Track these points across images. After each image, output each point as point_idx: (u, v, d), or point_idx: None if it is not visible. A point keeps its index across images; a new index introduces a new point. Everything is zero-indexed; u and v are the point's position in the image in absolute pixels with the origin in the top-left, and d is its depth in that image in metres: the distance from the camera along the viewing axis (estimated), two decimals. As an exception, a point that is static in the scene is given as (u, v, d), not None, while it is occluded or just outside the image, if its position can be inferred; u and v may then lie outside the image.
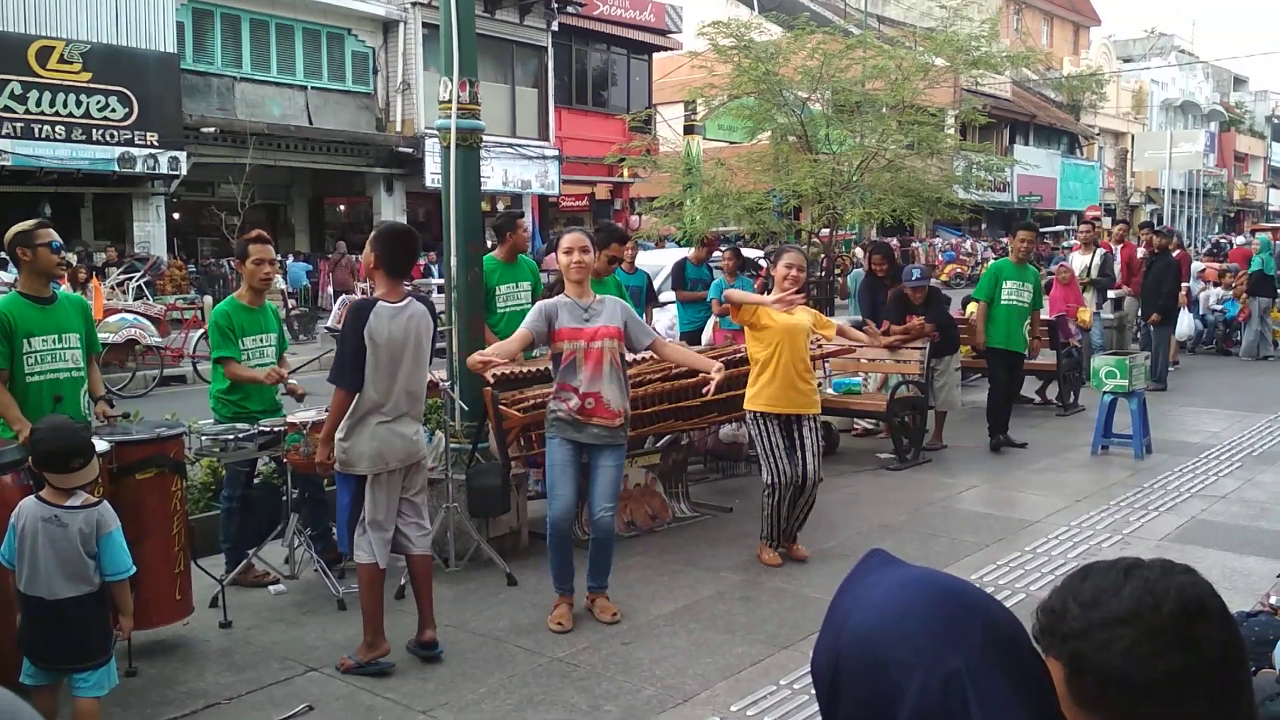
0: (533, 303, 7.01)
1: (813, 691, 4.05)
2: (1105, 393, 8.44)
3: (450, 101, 5.91)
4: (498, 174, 22.34)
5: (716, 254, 10.92)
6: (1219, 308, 15.69)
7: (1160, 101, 50.70)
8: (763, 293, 11.55)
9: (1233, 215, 55.43)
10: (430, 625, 4.54)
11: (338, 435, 4.39)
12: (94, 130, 17.10)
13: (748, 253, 12.06)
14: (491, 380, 6.00)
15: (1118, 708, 1.06)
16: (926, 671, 1.03)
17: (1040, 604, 1.15)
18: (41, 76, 16.50)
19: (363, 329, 4.28)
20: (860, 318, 9.80)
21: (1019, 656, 1.08)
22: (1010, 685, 1.04)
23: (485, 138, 6.38)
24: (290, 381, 5.70)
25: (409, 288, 4.61)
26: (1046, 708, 1.08)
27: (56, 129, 16.68)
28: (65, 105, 16.77)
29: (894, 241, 17.71)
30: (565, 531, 4.91)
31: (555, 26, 24.80)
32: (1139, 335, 13.06)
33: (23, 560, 3.42)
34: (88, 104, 17.02)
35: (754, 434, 5.76)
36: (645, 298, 8.95)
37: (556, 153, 24.80)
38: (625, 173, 24.49)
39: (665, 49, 27.53)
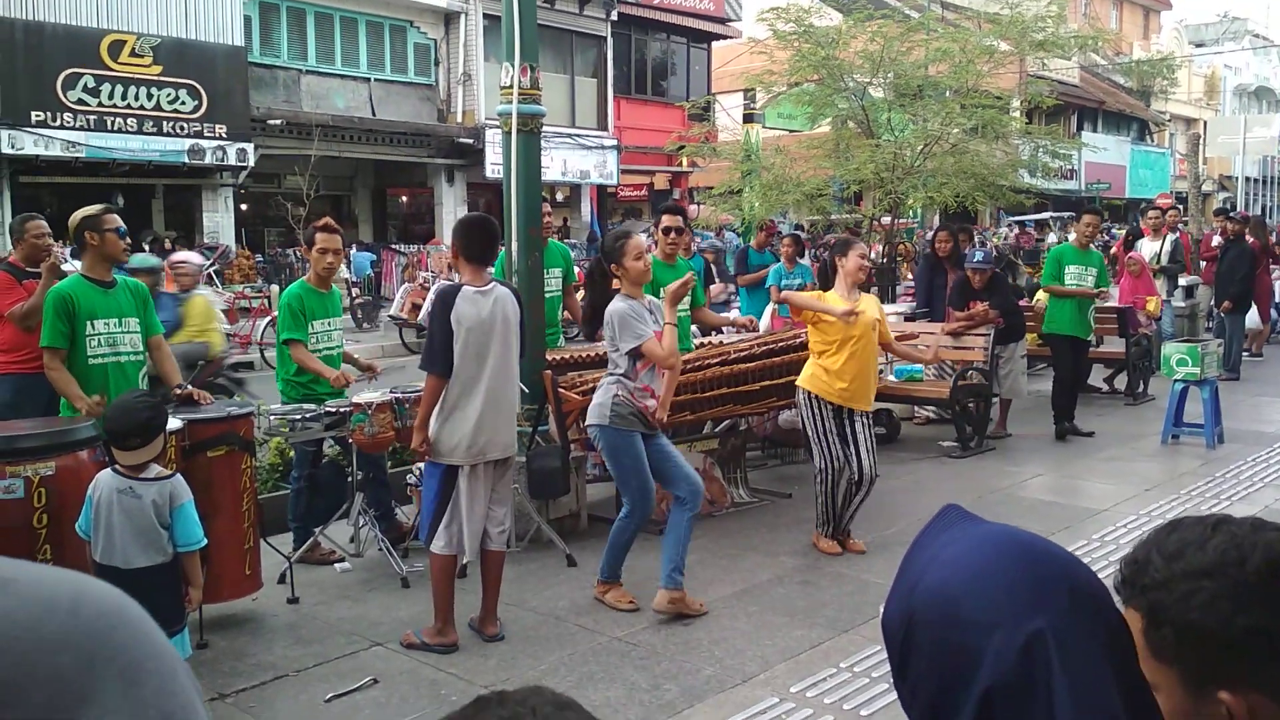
0: (563, 289, 7.03)
1: (874, 675, 4.02)
2: (1176, 381, 8.25)
3: (511, 86, 5.94)
4: (556, 164, 22.41)
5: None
6: None
7: (1234, 87, 49.26)
8: (821, 281, 11.47)
9: (1309, 203, 53.71)
10: (493, 621, 4.58)
11: (432, 422, 4.43)
12: (164, 122, 17.48)
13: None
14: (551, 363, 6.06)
15: (1194, 662, 1.03)
16: (1008, 632, 1.00)
17: (1124, 556, 1.12)
18: (113, 70, 16.90)
19: (449, 313, 4.35)
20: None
21: (1106, 620, 1.05)
22: (1097, 649, 1.01)
23: (544, 128, 6.39)
24: (361, 360, 5.85)
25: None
26: (1132, 674, 1.05)
27: (128, 121, 17.08)
28: (136, 98, 17.16)
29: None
30: (642, 527, 4.96)
31: (614, 16, 24.80)
32: (1211, 324, 12.72)
33: (98, 531, 3.52)
34: (158, 97, 17.39)
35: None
36: (703, 279, 8.94)
37: (615, 143, 24.81)
38: (684, 162, 24.42)
39: (725, 37, 27.38)
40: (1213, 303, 12.58)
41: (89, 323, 4.57)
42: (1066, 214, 28.28)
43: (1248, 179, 40.61)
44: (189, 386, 5.01)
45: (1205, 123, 39.97)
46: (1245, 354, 12.31)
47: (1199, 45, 49.69)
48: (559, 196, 23.62)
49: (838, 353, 5.59)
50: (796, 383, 5.85)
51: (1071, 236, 9.67)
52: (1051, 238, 25.08)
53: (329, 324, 5.65)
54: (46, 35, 16.29)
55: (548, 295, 6.77)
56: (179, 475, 3.72)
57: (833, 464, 5.63)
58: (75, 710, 0.49)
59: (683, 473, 4.87)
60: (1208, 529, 1.06)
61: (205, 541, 3.73)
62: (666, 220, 6.52)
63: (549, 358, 6.17)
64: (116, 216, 4.79)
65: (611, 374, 4.84)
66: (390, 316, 16.06)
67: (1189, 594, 1.02)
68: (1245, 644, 1.01)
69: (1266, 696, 1.01)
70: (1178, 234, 12.55)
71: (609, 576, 4.96)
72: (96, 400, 4.46)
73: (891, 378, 8.65)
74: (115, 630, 0.52)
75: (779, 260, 10.14)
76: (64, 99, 16.40)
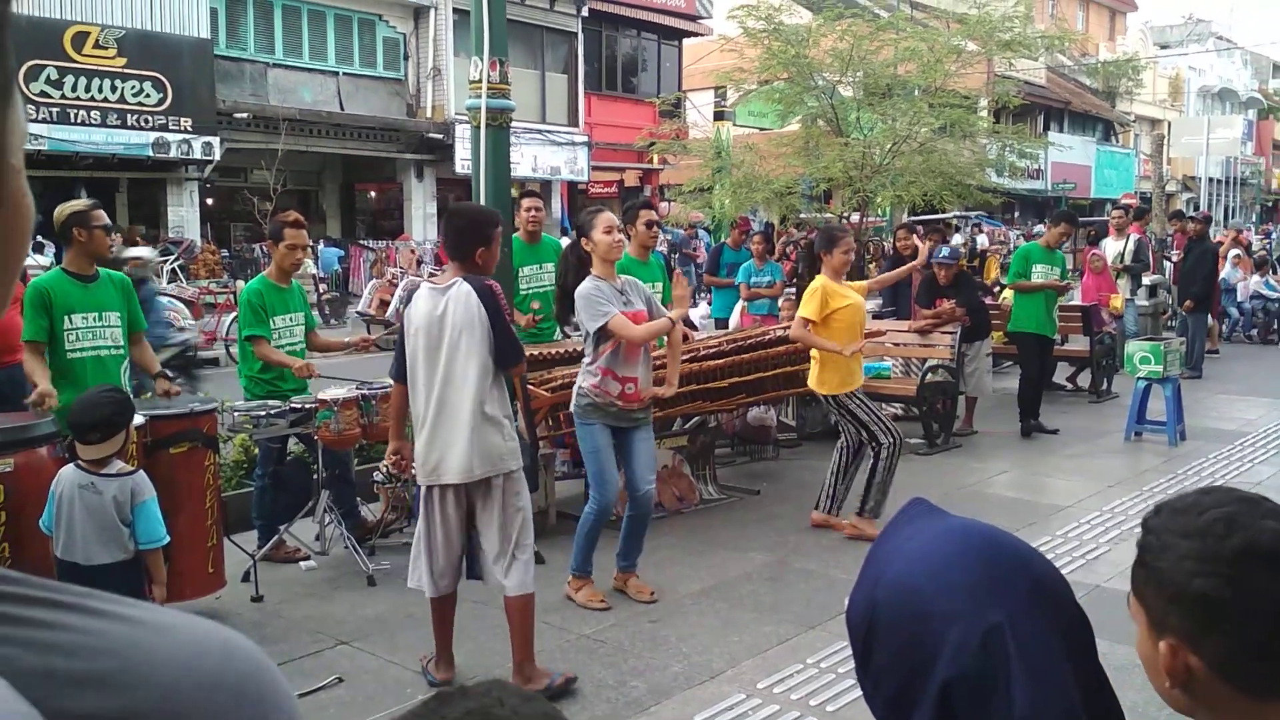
0: (556, 284, 7.00)
1: (840, 671, 4.02)
2: (1139, 379, 8.35)
3: (480, 81, 5.92)
4: (527, 160, 22.33)
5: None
6: (1269, 292, 15.29)
7: (1198, 88, 49.92)
8: (793, 277, 11.51)
9: (1270, 205, 54.54)
10: (523, 673, 3.95)
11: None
12: (129, 115, 17.25)
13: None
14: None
15: (1153, 606, 1.11)
16: (967, 624, 1.01)
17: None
18: (77, 62, 16.65)
19: (407, 312, 4.16)
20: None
21: (1065, 612, 1.06)
22: (1056, 641, 1.02)
23: (515, 124, 6.37)
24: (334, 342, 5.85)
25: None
26: (1090, 666, 1.07)
27: (92, 114, 16.84)
28: (100, 90, 16.92)
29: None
30: (606, 518, 4.92)
31: (585, 12, 24.74)
32: (1173, 323, 12.86)
33: (59, 526, 3.48)
34: (122, 89, 17.16)
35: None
36: (665, 275, 8.94)
37: (586, 139, 24.76)
38: (654, 159, 24.41)
39: (695, 35, 27.40)
40: (1175, 302, 12.73)
41: (66, 317, 4.56)
42: (975, 214, 24.90)
43: (1211, 179, 41.21)
44: (165, 373, 4.98)
45: (1169, 124, 40.52)
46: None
47: (1164, 47, 50.29)
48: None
49: (852, 343, 5.88)
50: (827, 393, 6.00)
51: (1041, 237, 9.73)
52: (957, 239, 22.65)
53: (290, 319, 5.60)
54: (9, 26, 16.01)
55: (541, 290, 6.78)
56: (141, 472, 3.68)
57: (896, 436, 6.01)
58: None
59: (637, 466, 4.85)
60: (1223, 499, 1.12)
61: (168, 539, 3.68)
62: (645, 215, 6.53)
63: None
64: (103, 213, 4.80)
65: (584, 362, 4.87)
66: (358, 313, 15.96)
67: (1166, 547, 1.10)
68: (1193, 607, 1.06)
69: (1206, 665, 1.06)
70: (1140, 234, 12.66)
71: (579, 569, 4.94)
72: (44, 392, 4.35)
73: (859, 375, 8.70)
74: (259, 674, 0.58)
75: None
76: (27, 91, 16.10)
